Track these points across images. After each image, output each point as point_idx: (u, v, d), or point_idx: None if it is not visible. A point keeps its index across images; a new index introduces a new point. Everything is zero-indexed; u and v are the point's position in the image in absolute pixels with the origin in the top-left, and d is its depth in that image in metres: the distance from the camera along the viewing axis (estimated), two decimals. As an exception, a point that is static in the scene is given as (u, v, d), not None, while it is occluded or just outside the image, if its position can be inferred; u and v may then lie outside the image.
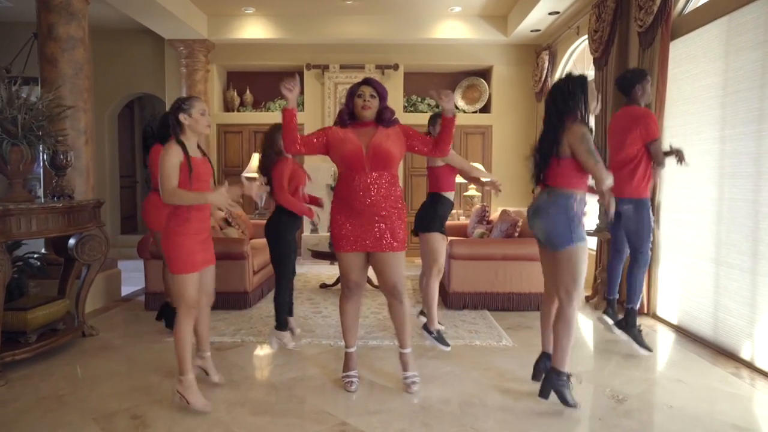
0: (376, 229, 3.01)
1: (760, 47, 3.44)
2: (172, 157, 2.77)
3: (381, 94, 3.05)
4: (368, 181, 2.97)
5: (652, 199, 3.82)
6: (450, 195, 3.94)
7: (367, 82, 3.05)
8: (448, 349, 3.82)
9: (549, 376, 2.91)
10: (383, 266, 3.08)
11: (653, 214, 3.77)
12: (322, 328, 4.38)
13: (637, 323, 3.78)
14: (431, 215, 3.88)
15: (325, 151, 3.09)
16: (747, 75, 3.56)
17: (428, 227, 3.87)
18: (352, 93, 3.04)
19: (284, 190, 3.75)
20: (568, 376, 2.89)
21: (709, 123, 3.99)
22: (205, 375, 3.17)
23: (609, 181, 2.77)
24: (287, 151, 3.11)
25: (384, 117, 3.07)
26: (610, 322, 3.87)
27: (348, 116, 3.07)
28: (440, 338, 3.86)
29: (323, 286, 5.99)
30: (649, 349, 3.71)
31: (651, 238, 3.75)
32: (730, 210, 3.75)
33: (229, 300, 4.89)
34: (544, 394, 2.91)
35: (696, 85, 4.15)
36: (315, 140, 3.05)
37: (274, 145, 3.79)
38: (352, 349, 3.25)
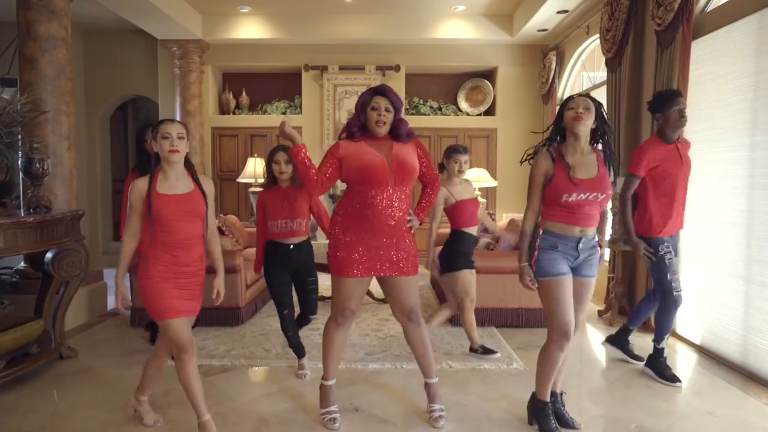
0: (394, 252, 2.73)
1: (797, 46, 3.15)
2: (131, 194, 2.51)
3: (396, 106, 2.73)
4: (392, 198, 2.68)
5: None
6: (472, 230, 3.83)
7: (381, 92, 2.72)
8: (497, 355, 3.90)
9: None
10: (399, 291, 2.80)
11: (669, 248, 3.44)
12: (318, 349, 4.03)
13: (664, 355, 3.51)
14: (455, 253, 3.80)
15: (340, 174, 2.76)
16: (782, 76, 3.27)
17: (453, 265, 3.80)
18: (365, 104, 2.71)
19: (258, 225, 3.55)
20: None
21: (737, 129, 3.69)
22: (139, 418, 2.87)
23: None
24: (314, 193, 2.82)
25: (400, 132, 2.76)
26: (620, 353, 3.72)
27: (358, 129, 2.74)
28: (485, 350, 3.93)
29: (321, 298, 5.68)
30: (677, 380, 3.41)
31: (670, 276, 3.38)
32: (761, 223, 3.45)
33: (219, 316, 4.59)
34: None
35: (722, 88, 3.85)
36: (331, 170, 2.71)
37: (267, 175, 3.53)
38: (331, 382, 2.94)
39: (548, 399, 2.77)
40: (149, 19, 6.75)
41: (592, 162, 2.65)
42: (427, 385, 2.93)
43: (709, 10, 4.16)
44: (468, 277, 3.83)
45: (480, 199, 7.43)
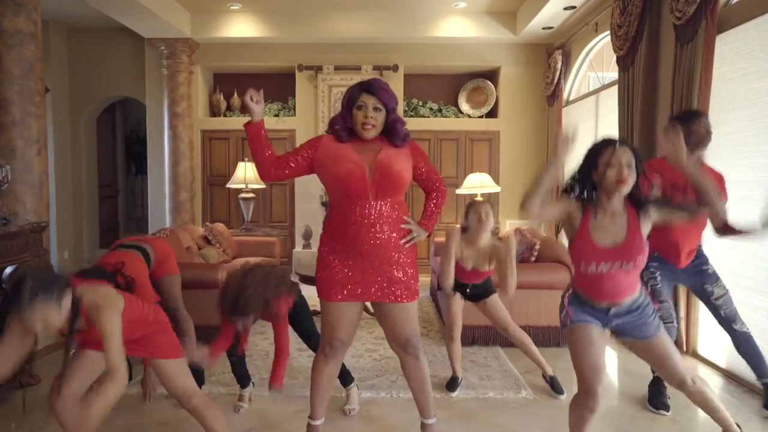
0: (385, 275, 2.36)
1: None
2: None
3: (388, 105, 2.33)
4: (375, 212, 2.30)
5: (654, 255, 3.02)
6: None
7: (369, 89, 2.33)
8: (454, 394, 3.43)
9: None
10: (392, 320, 2.44)
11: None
12: (308, 373, 3.71)
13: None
14: None
15: (309, 171, 2.43)
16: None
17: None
18: (352, 100, 2.34)
19: None
20: None
21: (768, 131, 3.34)
22: None
23: None
24: (261, 177, 2.45)
25: (395, 134, 2.37)
26: None
27: (345, 132, 2.37)
28: (452, 384, 3.48)
29: (315, 313, 5.31)
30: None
31: (658, 304, 3.07)
32: (799, 237, 3.09)
33: (201, 335, 4.20)
34: None
35: (753, 87, 3.49)
36: (300, 160, 2.40)
37: None
38: (319, 422, 2.59)
39: None
40: (135, 17, 6.46)
41: (622, 225, 2.20)
42: (423, 426, 2.58)
43: (736, 0, 3.81)
44: (449, 303, 3.47)
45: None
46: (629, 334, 2.32)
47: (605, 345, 2.34)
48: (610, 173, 2.15)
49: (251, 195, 6.99)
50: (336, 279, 2.38)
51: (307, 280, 5.08)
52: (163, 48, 7.30)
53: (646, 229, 2.21)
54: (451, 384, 3.47)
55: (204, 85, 7.91)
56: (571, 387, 3.27)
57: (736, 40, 3.67)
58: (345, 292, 2.38)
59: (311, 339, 3.12)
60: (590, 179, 2.24)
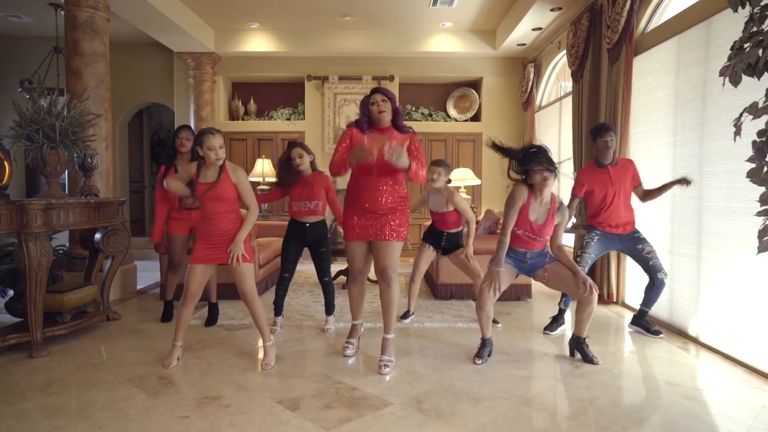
0: (378, 223, 3.41)
1: (701, 64, 3.96)
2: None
3: (390, 97, 3.40)
4: (375, 184, 3.36)
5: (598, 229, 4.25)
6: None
7: (376, 90, 3.43)
8: (408, 320, 4.66)
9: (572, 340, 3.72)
10: (378, 252, 3.47)
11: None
12: (321, 314, 4.87)
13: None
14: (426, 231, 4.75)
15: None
16: (692, 87, 4.07)
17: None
18: (367, 101, 3.40)
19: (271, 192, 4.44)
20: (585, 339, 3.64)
21: (664, 130, 4.49)
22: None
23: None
24: (336, 174, 3.48)
25: (397, 122, 3.46)
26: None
27: (366, 124, 3.44)
28: (405, 315, 4.66)
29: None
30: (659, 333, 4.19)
31: (580, 252, 4.26)
32: (681, 206, 4.25)
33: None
34: (572, 353, 3.74)
35: (655, 96, 4.66)
36: (346, 148, 3.45)
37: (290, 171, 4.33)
38: (355, 322, 3.77)
39: (487, 336, 3.65)
40: (167, 34, 7.54)
41: (545, 211, 3.49)
42: (383, 339, 3.52)
43: (647, 31, 4.97)
44: (420, 250, 4.62)
45: (465, 196, 8.22)
46: (537, 268, 3.58)
47: (508, 279, 3.58)
48: (537, 177, 3.44)
49: (267, 187, 8.12)
50: (350, 226, 3.50)
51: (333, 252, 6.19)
52: (190, 60, 8.45)
53: (557, 219, 3.49)
54: (404, 315, 4.68)
55: (224, 92, 9.06)
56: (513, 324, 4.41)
57: (645, 62, 4.83)
58: (355, 235, 3.49)
59: (325, 275, 4.31)
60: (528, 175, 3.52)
